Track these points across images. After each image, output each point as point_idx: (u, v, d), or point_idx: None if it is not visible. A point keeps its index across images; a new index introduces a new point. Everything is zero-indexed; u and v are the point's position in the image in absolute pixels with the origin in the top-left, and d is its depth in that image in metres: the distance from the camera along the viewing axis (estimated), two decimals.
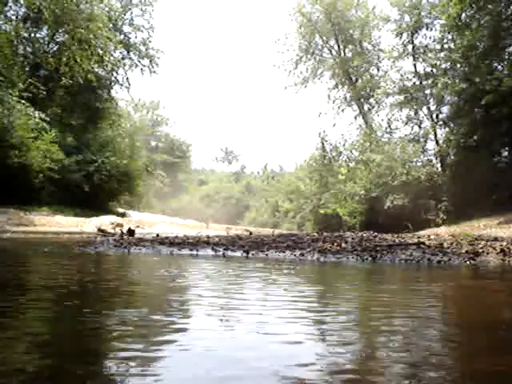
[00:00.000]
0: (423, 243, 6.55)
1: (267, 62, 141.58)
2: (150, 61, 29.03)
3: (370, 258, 5.25)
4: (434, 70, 24.23)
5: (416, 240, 7.43)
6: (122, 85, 28.48)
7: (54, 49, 23.77)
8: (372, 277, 4.22)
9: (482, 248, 6.04)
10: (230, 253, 5.83)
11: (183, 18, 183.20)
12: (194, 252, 5.92)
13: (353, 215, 25.02)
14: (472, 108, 20.21)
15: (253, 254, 5.66)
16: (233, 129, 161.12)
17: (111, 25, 25.90)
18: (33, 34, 23.30)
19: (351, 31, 32.80)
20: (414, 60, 26.24)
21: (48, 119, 19.25)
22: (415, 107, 26.03)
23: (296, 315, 2.21)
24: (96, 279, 3.56)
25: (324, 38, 33.90)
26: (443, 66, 23.41)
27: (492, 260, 5.09)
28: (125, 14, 28.38)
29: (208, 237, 8.35)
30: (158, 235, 9.14)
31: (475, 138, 19.58)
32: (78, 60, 21.85)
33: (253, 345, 1.70)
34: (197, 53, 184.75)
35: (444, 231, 14.64)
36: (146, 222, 20.00)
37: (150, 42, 28.90)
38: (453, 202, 20.21)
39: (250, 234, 10.23)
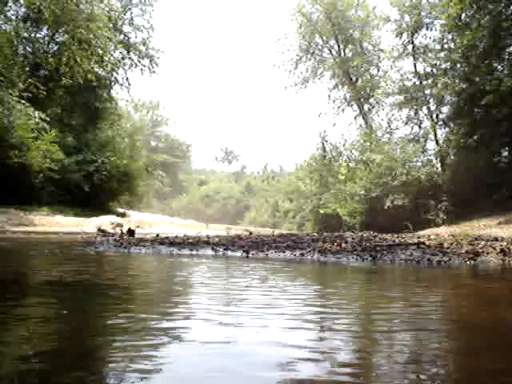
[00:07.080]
0: (423, 243, 6.55)
1: (267, 62, 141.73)
2: (150, 61, 29.04)
3: (369, 258, 5.25)
4: (434, 70, 24.20)
5: (416, 240, 7.43)
6: (121, 85, 28.52)
7: (54, 49, 23.75)
8: (372, 276, 4.22)
9: (482, 248, 6.04)
10: (230, 253, 5.83)
11: (183, 18, 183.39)
12: (194, 252, 5.92)
13: (353, 215, 25.03)
14: (472, 108, 20.19)
15: (253, 254, 5.66)
16: (233, 129, 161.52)
17: (111, 25, 25.85)
18: (33, 34, 23.30)
19: (351, 31, 32.83)
20: (414, 60, 26.25)
21: (48, 119, 19.24)
22: (415, 107, 26.00)
23: (295, 315, 2.21)
24: (96, 279, 3.56)
25: (324, 38, 33.93)
26: (443, 66, 23.38)
27: (492, 260, 5.09)
28: (125, 14, 28.39)
29: (208, 237, 8.36)
30: (157, 235, 9.14)
31: (475, 138, 19.55)
32: (78, 60, 21.84)
33: (252, 344, 1.70)
34: (197, 53, 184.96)
35: (444, 231, 14.63)
36: (146, 222, 20.01)
37: (149, 41, 28.94)
38: (453, 202, 20.19)
39: (250, 233, 10.24)
